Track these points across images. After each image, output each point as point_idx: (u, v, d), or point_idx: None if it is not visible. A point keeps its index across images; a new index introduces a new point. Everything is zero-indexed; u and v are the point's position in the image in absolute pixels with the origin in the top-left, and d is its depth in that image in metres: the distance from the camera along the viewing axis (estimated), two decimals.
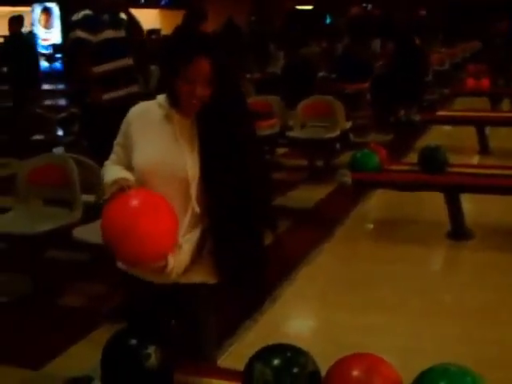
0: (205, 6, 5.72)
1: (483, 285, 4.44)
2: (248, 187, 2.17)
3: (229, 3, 18.81)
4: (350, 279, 4.57)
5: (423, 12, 24.84)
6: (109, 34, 5.49)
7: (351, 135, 7.81)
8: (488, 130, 8.53)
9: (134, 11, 5.93)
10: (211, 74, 2.08)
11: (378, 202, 6.21)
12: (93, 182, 4.24)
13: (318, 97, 7.38)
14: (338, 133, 6.99)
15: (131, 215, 2.03)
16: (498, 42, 15.93)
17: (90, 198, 4.29)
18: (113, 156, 2.31)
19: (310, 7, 24.07)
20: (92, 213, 4.18)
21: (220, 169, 2.13)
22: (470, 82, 10.65)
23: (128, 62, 5.55)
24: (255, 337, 3.70)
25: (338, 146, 7.47)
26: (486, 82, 10.58)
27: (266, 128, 6.72)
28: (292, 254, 4.95)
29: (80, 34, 5.32)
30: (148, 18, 19.47)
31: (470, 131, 8.53)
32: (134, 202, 2.06)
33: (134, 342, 2.17)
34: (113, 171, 2.23)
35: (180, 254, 2.16)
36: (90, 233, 3.88)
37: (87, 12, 5.43)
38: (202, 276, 2.25)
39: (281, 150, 8.24)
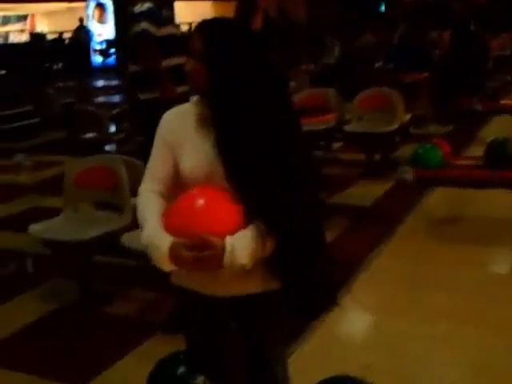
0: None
1: None
2: (296, 187, 1.96)
3: None
4: (412, 284, 4.31)
5: None
6: (171, 29, 5.42)
7: (410, 128, 7.49)
8: None
9: (186, 3, 5.82)
10: (202, 50, 1.99)
11: (441, 199, 5.89)
12: None
13: (375, 89, 7.09)
14: (396, 125, 6.69)
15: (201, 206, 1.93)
16: None
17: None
18: (149, 181, 2.08)
19: None
20: None
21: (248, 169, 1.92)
22: None
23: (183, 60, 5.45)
24: (314, 348, 3.51)
25: (397, 139, 7.15)
26: None
27: (322, 123, 6.47)
28: (351, 255, 4.70)
29: (146, 25, 5.22)
30: (200, 10, 19.47)
31: None
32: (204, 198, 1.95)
33: (181, 370, 1.98)
34: (155, 222, 1.97)
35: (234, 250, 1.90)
36: (139, 240, 3.74)
37: (150, 4, 5.33)
38: (257, 285, 2.05)
39: (336, 145, 7.99)
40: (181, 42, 5.50)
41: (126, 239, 3.80)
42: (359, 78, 8.43)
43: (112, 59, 17.70)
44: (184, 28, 16.26)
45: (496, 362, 3.34)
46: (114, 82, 9.61)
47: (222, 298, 2.07)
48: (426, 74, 8.65)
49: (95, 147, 6.86)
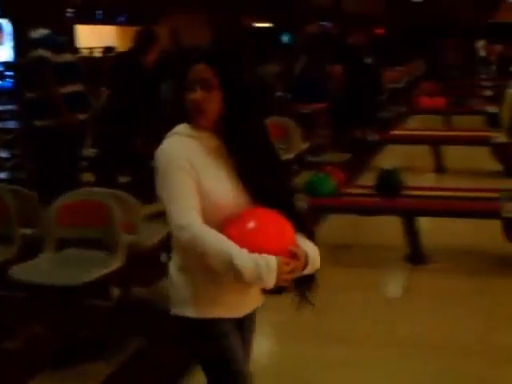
0: (157, 28, 5.64)
1: (441, 312, 4.36)
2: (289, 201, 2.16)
3: (188, 24, 18.67)
4: (306, 308, 4.40)
5: (381, 31, 25.06)
6: (68, 57, 5.43)
7: (308, 156, 7.69)
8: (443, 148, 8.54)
9: (90, 28, 5.85)
10: (213, 79, 2.02)
11: (334, 226, 6.07)
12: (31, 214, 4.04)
13: (272, 118, 7.24)
14: (293, 154, 6.86)
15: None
16: (449, 61, 16.16)
17: (27, 231, 4.06)
18: (194, 214, 2.00)
19: (267, 25, 24.10)
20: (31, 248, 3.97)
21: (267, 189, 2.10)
22: (425, 101, 10.69)
23: (80, 87, 5.46)
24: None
25: (295, 167, 7.33)
26: (440, 100, 10.63)
27: None
28: None
29: (42, 52, 5.20)
30: (104, 35, 19.27)
31: (426, 150, 8.52)
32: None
33: None
34: (245, 252, 1.95)
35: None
36: (28, 271, 3.67)
37: (47, 31, 5.32)
38: (264, 294, 2.22)
39: None
40: (78, 68, 5.50)
41: (15, 272, 3.70)
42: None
43: (7, 83, 17.15)
44: (85, 53, 16.09)
45: (379, 380, 3.47)
46: (9, 107, 9.38)
47: (242, 319, 2.20)
48: (323, 105, 8.93)
49: None
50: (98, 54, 16.65)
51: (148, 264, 4.68)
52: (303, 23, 18.54)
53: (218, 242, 1.95)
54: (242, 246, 1.94)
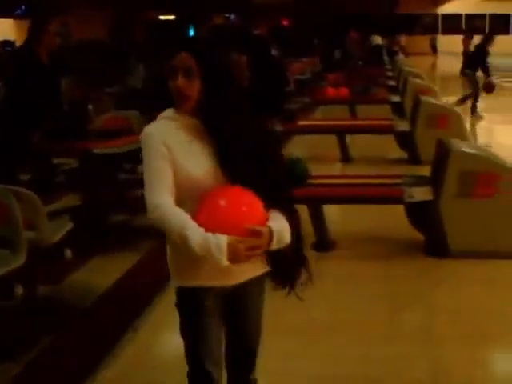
0: (51, 20, 5.44)
1: (346, 296, 4.45)
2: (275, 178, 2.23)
3: (90, 16, 18.30)
4: None
5: (285, 22, 25.37)
6: None
7: None
8: (348, 138, 8.73)
9: None
10: (194, 67, 2.15)
11: None
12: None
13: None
14: None
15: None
16: (353, 51, 16.52)
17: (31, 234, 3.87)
18: (163, 194, 2.14)
19: (172, 17, 23.94)
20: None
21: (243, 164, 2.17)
22: (330, 91, 10.87)
23: None
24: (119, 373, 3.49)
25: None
26: (344, 91, 10.83)
27: (125, 145, 6.43)
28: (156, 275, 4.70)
29: None
30: (1, 28, 18.63)
31: (333, 139, 8.67)
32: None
33: None
34: (197, 226, 2.09)
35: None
36: None
37: None
38: (261, 267, 2.29)
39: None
40: None
41: None
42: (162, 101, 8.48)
43: None
44: None
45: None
46: None
47: (229, 287, 2.26)
48: None
49: None
50: None
51: (52, 261, 4.58)
52: (209, 16, 18.54)
53: (179, 221, 2.10)
54: (206, 223, 2.08)
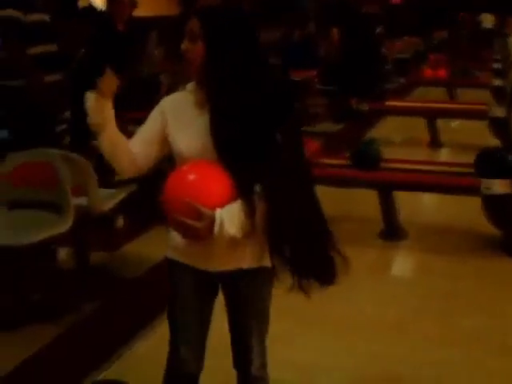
0: None
1: (412, 292, 4.16)
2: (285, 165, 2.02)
3: None
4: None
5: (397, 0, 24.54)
6: (39, 16, 5.27)
7: None
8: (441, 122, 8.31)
9: None
10: (198, 31, 2.06)
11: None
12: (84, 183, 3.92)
13: None
14: None
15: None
16: (462, 33, 15.78)
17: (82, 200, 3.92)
18: (132, 141, 2.22)
19: None
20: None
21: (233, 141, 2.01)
22: (428, 72, 10.41)
23: (53, 47, 5.31)
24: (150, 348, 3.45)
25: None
26: (442, 72, 10.33)
27: None
28: None
29: (11, 12, 5.04)
30: None
31: (424, 123, 8.29)
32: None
33: None
34: None
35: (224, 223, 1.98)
36: None
37: None
38: (249, 260, 2.16)
39: None
40: (52, 28, 5.36)
41: None
42: None
43: None
44: None
45: (322, 361, 3.34)
46: None
47: (213, 273, 2.17)
48: (314, 72, 8.70)
49: None
50: None
51: (106, 229, 4.59)
52: None
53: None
54: (166, 196, 2.03)
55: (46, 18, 5.36)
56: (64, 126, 6.26)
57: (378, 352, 3.45)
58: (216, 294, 2.30)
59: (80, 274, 4.13)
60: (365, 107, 8.24)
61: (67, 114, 6.19)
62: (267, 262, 2.13)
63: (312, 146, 5.24)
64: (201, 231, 1.98)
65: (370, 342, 3.55)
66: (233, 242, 2.04)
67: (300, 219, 2.07)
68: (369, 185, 5.03)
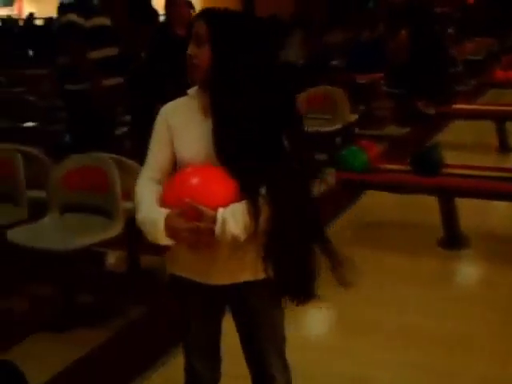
0: None
1: (473, 305, 3.97)
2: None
3: None
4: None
5: (471, 0, 23.91)
6: (100, 20, 5.33)
7: (356, 129, 7.38)
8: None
9: None
10: (205, 35, 2.00)
11: (370, 204, 5.76)
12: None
13: (318, 88, 6.97)
14: (339, 126, 6.57)
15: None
16: None
17: (36, 193, 4.02)
18: (149, 170, 2.11)
19: None
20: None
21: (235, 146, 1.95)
22: (499, 74, 10.04)
23: (115, 51, 5.36)
24: None
25: (339, 140, 7.03)
26: None
27: None
28: None
29: (72, 17, 5.12)
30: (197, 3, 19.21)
31: (494, 127, 7.98)
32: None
33: None
34: (150, 201, 2.01)
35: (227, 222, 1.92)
36: (24, 234, 3.64)
37: None
38: (253, 272, 2.07)
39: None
40: (113, 32, 5.41)
41: (13, 235, 3.67)
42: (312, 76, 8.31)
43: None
44: None
45: (375, 374, 3.22)
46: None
47: (217, 287, 2.09)
48: (380, 74, 8.54)
49: (37, 137, 6.70)
50: None
51: None
52: None
53: (139, 196, 2.05)
54: (165, 196, 1.99)
55: (108, 21, 5.40)
56: (124, 129, 6.34)
57: (431, 366, 3.32)
58: (223, 310, 2.24)
59: (130, 277, 4.14)
60: (431, 110, 8.02)
61: (128, 117, 6.27)
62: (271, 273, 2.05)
63: (373, 151, 5.10)
64: (203, 233, 1.90)
65: (424, 356, 3.42)
66: (235, 252, 1.97)
67: (302, 223, 2.03)
68: (428, 191, 4.87)
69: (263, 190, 1.93)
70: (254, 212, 1.92)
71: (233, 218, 1.90)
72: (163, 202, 1.98)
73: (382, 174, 4.91)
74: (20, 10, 22.39)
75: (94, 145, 4.88)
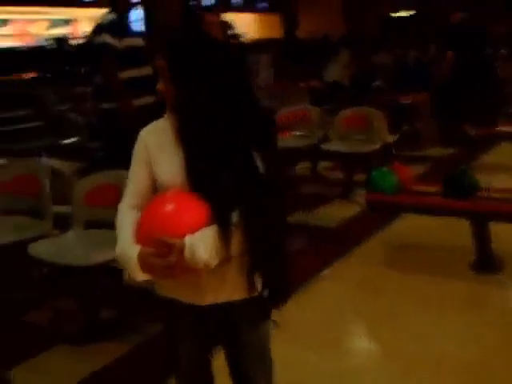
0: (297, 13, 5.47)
1: (503, 333, 3.83)
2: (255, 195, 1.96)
3: (322, 12, 18.45)
4: (345, 312, 4.15)
5: None
6: (132, 41, 5.44)
7: (393, 149, 7.28)
8: None
9: (230, 15, 5.70)
10: (165, 70, 2.03)
11: (405, 226, 5.66)
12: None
13: (356, 108, 6.93)
14: (376, 146, 6.50)
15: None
16: None
17: (61, 208, 4.11)
18: (129, 197, 2.14)
19: (408, 13, 23.32)
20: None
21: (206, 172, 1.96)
22: None
23: (149, 70, 5.44)
24: None
25: (374, 159, 6.94)
26: None
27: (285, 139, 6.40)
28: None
29: (106, 38, 5.23)
30: (244, 23, 19.46)
31: None
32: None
33: None
34: (127, 234, 2.03)
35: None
36: (45, 249, 3.71)
37: (112, 16, 5.34)
38: (242, 291, 2.08)
39: (326, 164, 7.82)
40: (144, 52, 5.50)
41: (35, 249, 3.74)
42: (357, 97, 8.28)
43: None
44: None
45: None
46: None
47: (206, 308, 2.09)
48: (424, 95, 8.43)
49: (76, 153, 6.86)
50: None
51: None
52: (447, 11, 17.63)
53: (119, 226, 2.07)
54: (138, 229, 1.99)
55: (140, 42, 5.50)
56: None
57: None
58: (212, 334, 2.21)
59: (148, 293, 4.16)
60: (472, 132, 7.87)
61: None
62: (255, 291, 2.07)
63: (405, 173, 5.03)
64: (176, 264, 1.89)
65: (442, 382, 3.33)
66: (219, 271, 1.97)
67: (275, 244, 2.05)
68: (460, 214, 4.76)
69: (235, 215, 1.92)
70: (224, 237, 1.90)
71: (202, 243, 1.89)
72: (137, 238, 1.99)
73: (413, 196, 4.82)
74: (75, 30, 22.96)
75: (120, 163, 4.95)
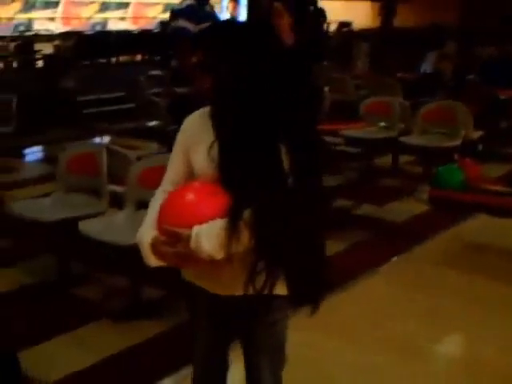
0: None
1: None
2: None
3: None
4: (391, 309, 4.06)
5: None
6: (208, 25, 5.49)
7: (479, 145, 6.98)
8: None
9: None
10: (200, 64, 2.19)
11: (476, 226, 5.42)
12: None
13: (440, 102, 6.70)
14: (458, 142, 6.26)
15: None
16: None
17: (117, 188, 4.25)
18: (166, 183, 2.16)
19: None
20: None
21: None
22: None
23: None
24: None
25: (455, 155, 6.68)
26: None
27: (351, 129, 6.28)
28: (344, 270, 4.46)
29: (183, 23, 5.31)
30: (334, 9, 19.16)
31: None
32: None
33: None
34: (150, 219, 2.06)
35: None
36: (96, 228, 3.85)
37: (189, 2, 5.41)
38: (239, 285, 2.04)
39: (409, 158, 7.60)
40: None
41: (83, 226, 3.89)
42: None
43: None
44: None
45: None
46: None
47: (224, 298, 2.09)
48: None
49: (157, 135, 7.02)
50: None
51: None
52: None
53: (147, 213, 2.11)
54: (159, 217, 2.01)
55: None
56: None
57: None
58: (230, 327, 2.20)
59: None
60: None
61: None
62: (280, 290, 2.01)
63: (473, 170, 4.82)
64: (186, 254, 1.90)
65: None
66: (239, 265, 1.94)
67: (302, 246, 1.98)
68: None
69: (246, 213, 1.88)
70: (231, 230, 1.87)
71: (206, 235, 1.88)
72: (156, 224, 2.01)
73: (477, 194, 4.62)
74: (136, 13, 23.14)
75: None
